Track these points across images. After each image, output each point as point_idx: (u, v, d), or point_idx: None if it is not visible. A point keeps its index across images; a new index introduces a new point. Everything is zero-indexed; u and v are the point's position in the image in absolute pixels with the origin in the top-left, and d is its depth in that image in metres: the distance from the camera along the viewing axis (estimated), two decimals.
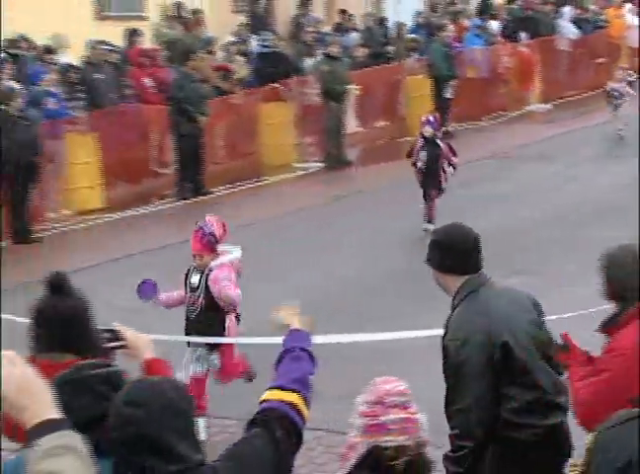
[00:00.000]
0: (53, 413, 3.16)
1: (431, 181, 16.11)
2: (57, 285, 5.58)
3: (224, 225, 9.87)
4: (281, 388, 4.36)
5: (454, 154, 16.37)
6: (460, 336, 6.07)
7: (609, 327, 5.86)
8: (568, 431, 6.09)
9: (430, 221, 15.76)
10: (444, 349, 6.18)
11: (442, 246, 6.37)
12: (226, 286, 9.40)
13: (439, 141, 16.37)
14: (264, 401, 4.33)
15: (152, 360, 5.09)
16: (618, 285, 5.77)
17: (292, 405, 4.31)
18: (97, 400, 4.19)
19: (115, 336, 4.65)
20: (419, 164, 16.12)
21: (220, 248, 9.80)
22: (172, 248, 15.25)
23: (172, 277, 13.86)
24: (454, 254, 6.28)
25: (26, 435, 3.14)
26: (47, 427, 3.12)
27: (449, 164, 16.16)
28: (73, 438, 3.14)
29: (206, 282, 9.52)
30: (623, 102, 21.70)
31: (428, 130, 16.16)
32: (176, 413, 3.94)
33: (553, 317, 10.46)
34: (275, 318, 4.99)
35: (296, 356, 4.56)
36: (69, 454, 3.08)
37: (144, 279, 9.68)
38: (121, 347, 4.95)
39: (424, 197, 16.23)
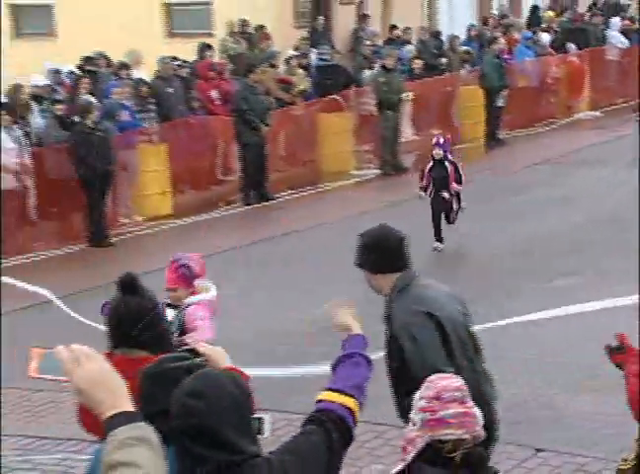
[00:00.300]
0: (128, 406, 3.18)
1: (439, 202, 15.26)
2: (129, 285, 5.60)
3: (203, 264, 8.84)
4: (341, 392, 4.36)
5: (459, 180, 15.41)
6: (408, 321, 6.26)
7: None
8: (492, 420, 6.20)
9: (440, 240, 15.23)
10: (395, 338, 6.32)
11: (370, 248, 6.56)
12: (200, 328, 8.22)
13: (447, 164, 15.43)
14: (322, 401, 4.35)
15: (230, 369, 5.13)
16: None
17: (350, 410, 4.33)
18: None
19: (195, 354, 4.63)
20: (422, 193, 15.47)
21: (197, 284, 8.68)
22: (238, 251, 15.35)
23: (234, 279, 14.02)
24: (382, 254, 6.46)
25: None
26: (122, 419, 3.13)
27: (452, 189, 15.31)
28: (146, 431, 3.15)
29: (183, 319, 8.30)
30: None
31: (438, 153, 15.37)
32: (234, 406, 3.99)
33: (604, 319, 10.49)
34: (337, 320, 4.98)
35: (356, 362, 4.56)
36: (142, 445, 3.09)
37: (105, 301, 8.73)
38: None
39: (433, 218, 15.27)
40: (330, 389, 4.38)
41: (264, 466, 3.97)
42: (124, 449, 3.05)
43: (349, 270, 13.01)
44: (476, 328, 9.00)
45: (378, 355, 5.94)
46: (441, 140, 15.71)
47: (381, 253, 6.45)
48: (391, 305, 6.35)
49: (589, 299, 11.07)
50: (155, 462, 3.09)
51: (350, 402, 4.34)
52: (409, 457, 5.07)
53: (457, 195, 15.42)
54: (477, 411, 5.08)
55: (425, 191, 15.43)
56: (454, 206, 15.39)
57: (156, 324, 5.60)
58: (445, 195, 15.12)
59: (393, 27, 27.19)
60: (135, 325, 5.48)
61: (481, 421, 5.08)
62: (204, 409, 3.91)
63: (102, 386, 3.17)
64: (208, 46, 21.81)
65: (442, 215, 15.27)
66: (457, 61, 24.82)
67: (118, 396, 3.18)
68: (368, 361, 4.59)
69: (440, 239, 15.22)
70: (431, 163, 15.46)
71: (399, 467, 5.19)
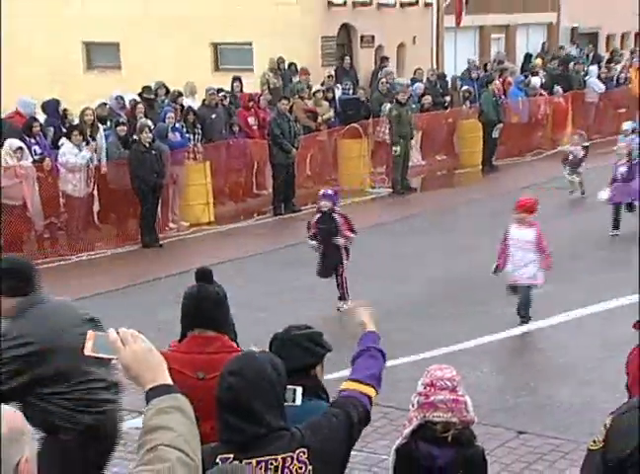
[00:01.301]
0: (166, 379, 3.21)
1: (330, 256, 12.65)
2: (205, 276, 5.72)
3: None
4: (361, 382, 4.34)
5: (351, 229, 12.84)
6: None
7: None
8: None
9: (343, 298, 12.60)
10: None
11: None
12: None
13: (335, 216, 12.76)
14: (345, 390, 4.33)
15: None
16: None
17: (368, 396, 4.31)
18: (304, 353, 4.72)
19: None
20: (313, 242, 12.75)
21: None
22: (268, 255, 15.35)
23: (265, 279, 13.98)
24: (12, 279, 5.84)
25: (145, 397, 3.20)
26: (161, 390, 3.16)
27: (347, 237, 12.66)
28: (181, 400, 3.17)
29: None
30: (578, 165, 19.72)
31: (325, 205, 12.72)
32: (267, 384, 3.99)
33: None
34: (353, 318, 4.95)
35: (373, 355, 4.53)
36: (177, 413, 3.11)
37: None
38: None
39: (320, 272, 12.73)
40: (351, 379, 4.37)
41: (286, 438, 3.97)
42: (161, 416, 3.08)
43: (361, 271, 13.14)
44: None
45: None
46: (329, 192, 13.28)
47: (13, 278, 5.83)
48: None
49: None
50: (188, 427, 3.10)
51: (369, 390, 4.33)
52: (406, 432, 5.18)
53: (346, 248, 12.82)
54: (467, 399, 5.09)
55: (315, 239, 12.80)
56: (344, 258, 12.75)
57: (224, 308, 5.74)
58: (340, 241, 12.57)
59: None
60: (212, 308, 5.63)
61: (471, 407, 5.09)
62: (240, 386, 3.92)
63: (144, 363, 3.20)
64: (239, 79, 22.02)
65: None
66: (459, 98, 24.83)
67: (157, 371, 3.20)
68: (382, 354, 4.59)
69: (343, 297, 12.63)
70: (318, 215, 12.95)
71: (399, 441, 5.21)
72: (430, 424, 5.08)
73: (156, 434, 3.02)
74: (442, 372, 5.18)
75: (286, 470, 3.90)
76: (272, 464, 3.89)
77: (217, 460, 3.85)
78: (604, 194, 16.26)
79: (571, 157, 18.05)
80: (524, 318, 11.34)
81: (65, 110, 17.86)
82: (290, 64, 23.97)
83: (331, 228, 12.68)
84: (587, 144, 19.04)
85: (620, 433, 4.07)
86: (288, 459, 3.91)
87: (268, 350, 4.71)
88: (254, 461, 3.79)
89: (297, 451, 3.95)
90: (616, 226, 16.21)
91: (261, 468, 3.83)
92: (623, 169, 16.29)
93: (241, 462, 3.79)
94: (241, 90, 21.56)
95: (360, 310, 4.99)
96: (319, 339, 4.82)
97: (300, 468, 3.92)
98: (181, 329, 5.69)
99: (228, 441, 3.94)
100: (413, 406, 5.19)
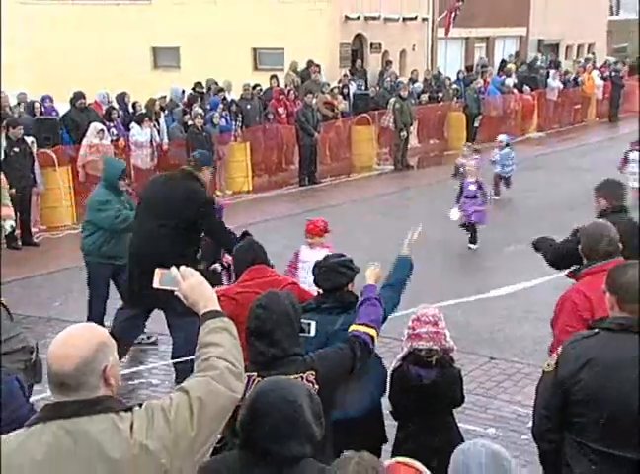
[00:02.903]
0: (216, 306, 3.23)
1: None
2: (247, 233, 6.38)
3: None
4: (365, 325, 4.32)
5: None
6: None
7: (573, 275, 5.56)
8: None
9: None
10: None
11: None
12: None
13: None
14: (352, 331, 4.32)
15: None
16: (587, 248, 5.50)
17: (371, 336, 4.30)
18: (340, 275, 4.97)
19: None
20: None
21: None
22: (294, 217, 15.30)
23: (291, 236, 13.97)
24: None
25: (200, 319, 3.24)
26: (212, 314, 3.19)
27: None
28: (228, 323, 3.19)
29: None
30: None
31: None
32: (286, 317, 3.98)
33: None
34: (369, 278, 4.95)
35: (373, 304, 4.50)
36: (224, 332, 3.14)
37: None
38: None
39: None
40: (357, 323, 4.35)
41: (299, 361, 3.96)
42: (212, 334, 3.11)
43: (366, 233, 13.08)
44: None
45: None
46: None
47: None
48: None
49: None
50: (233, 343, 3.12)
51: (372, 331, 4.31)
52: (399, 357, 5.23)
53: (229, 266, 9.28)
54: (447, 331, 5.17)
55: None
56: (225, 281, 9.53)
57: (264, 254, 6.09)
58: (218, 266, 9.38)
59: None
60: (263, 256, 6.01)
61: (450, 338, 5.16)
62: (265, 317, 3.92)
63: (198, 293, 3.24)
64: (275, 77, 21.77)
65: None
66: (449, 95, 24.60)
67: (209, 300, 3.24)
68: (380, 302, 4.55)
69: None
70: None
71: (394, 365, 5.24)
72: (416, 350, 5.09)
73: (209, 349, 3.05)
74: (427, 310, 5.19)
75: None
76: None
77: (246, 376, 3.79)
78: (455, 214, 13.20)
79: (461, 170, 13.86)
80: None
81: (135, 101, 17.78)
82: (315, 65, 23.73)
83: (212, 249, 9.24)
84: (477, 156, 14.70)
85: (567, 358, 4.05)
86: (299, 379, 3.85)
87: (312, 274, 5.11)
88: None
89: (307, 373, 3.92)
90: (473, 241, 13.25)
91: None
92: (473, 187, 13.16)
93: (262, 379, 3.72)
94: (277, 85, 21.32)
95: (375, 272, 4.98)
96: (349, 264, 5.03)
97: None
98: (236, 272, 6.04)
99: (254, 362, 3.92)
100: (405, 336, 5.21)
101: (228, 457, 3.25)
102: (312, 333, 4.29)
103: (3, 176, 10.93)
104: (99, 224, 8.63)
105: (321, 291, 5.07)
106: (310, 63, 23.52)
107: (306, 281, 7.79)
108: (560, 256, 6.58)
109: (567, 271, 5.76)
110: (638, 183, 14.36)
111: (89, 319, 8.80)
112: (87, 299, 9.01)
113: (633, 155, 15.07)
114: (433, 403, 5.03)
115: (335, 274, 4.95)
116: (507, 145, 17.16)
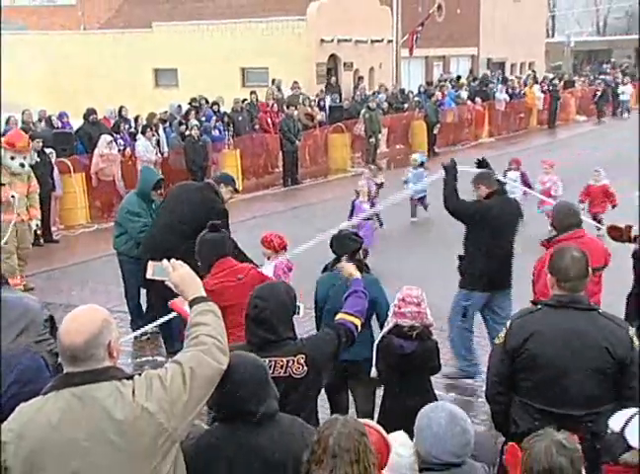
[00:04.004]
0: (202, 293, 3.24)
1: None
2: (214, 227, 5.77)
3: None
4: (350, 314, 4.27)
5: None
6: None
7: (547, 243, 5.73)
8: None
9: None
10: None
11: None
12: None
13: None
14: (339, 319, 4.27)
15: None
16: (557, 222, 5.79)
17: (356, 326, 4.24)
18: (352, 242, 5.55)
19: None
20: None
21: None
22: (280, 214, 15.27)
23: (275, 229, 13.87)
24: None
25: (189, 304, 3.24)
26: (199, 299, 3.21)
27: None
28: (213, 306, 3.19)
29: None
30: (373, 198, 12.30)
31: None
32: (283, 306, 3.93)
33: None
34: (345, 270, 4.91)
35: (359, 296, 4.45)
36: (211, 313, 3.16)
37: None
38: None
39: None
40: (342, 312, 4.31)
41: (290, 345, 3.92)
42: (200, 315, 3.13)
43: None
44: None
45: None
46: None
47: None
48: None
49: None
50: (218, 323, 3.13)
51: (356, 321, 4.25)
52: (384, 331, 5.20)
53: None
54: (427, 311, 5.14)
55: None
56: None
57: (232, 248, 5.98)
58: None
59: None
60: (226, 250, 5.69)
61: (430, 316, 5.14)
62: (263, 306, 3.87)
63: (187, 282, 3.25)
64: (254, 92, 21.32)
65: None
66: (412, 106, 24.58)
67: (197, 288, 3.25)
68: (366, 295, 4.50)
69: None
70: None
71: (381, 335, 5.24)
72: (400, 326, 5.10)
73: (198, 328, 3.07)
74: (411, 291, 5.17)
75: (289, 369, 3.84)
76: (278, 364, 3.83)
77: None
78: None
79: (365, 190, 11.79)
80: None
81: (138, 115, 17.62)
82: (294, 82, 23.62)
83: None
84: (380, 181, 12.88)
85: (515, 331, 4.08)
86: (291, 361, 3.85)
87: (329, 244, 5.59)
88: (267, 360, 3.72)
89: (298, 356, 3.88)
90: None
91: (271, 366, 3.77)
92: (366, 206, 11.34)
93: None
94: (257, 100, 21.04)
95: (349, 265, 4.97)
96: (356, 236, 5.68)
97: (298, 368, 3.85)
98: (203, 264, 5.56)
99: (250, 342, 3.89)
100: (390, 313, 5.22)
101: (213, 430, 3.24)
102: (301, 314, 4.29)
103: (35, 182, 10.75)
104: (125, 228, 8.36)
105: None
106: (294, 82, 23.46)
107: None
108: (459, 211, 7.10)
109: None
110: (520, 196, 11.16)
111: (130, 310, 8.66)
112: (122, 291, 8.80)
113: (511, 174, 12.88)
114: (412, 370, 5.06)
115: (347, 241, 5.50)
116: (421, 164, 14.21)
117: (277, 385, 3.37)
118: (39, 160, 13.17)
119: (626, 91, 30.87)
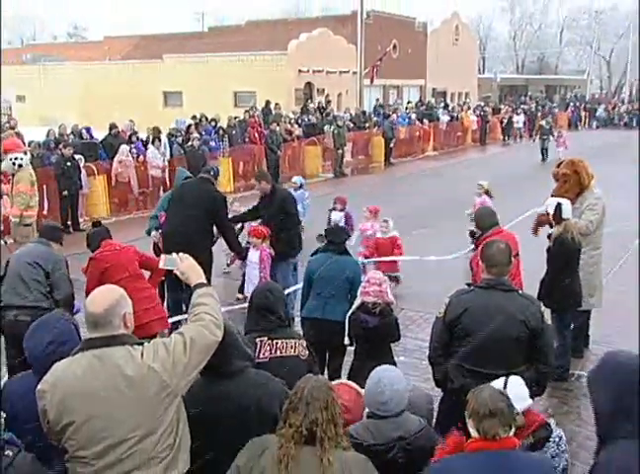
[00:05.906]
0: (203, 279, 3.20)
1: None
2: (98, 224, 6.39)
3: None
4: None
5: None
6: None
7: (477, 242, 5.77)
8: None
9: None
10: None
11: None
12: None
13: None
14: None
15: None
16: (481, 223, 5.81)
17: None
18: (342, 232, 5.91)
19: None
20: None
21: None
22: None
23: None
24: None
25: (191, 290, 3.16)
26: (200, 284, 3.16)
27: None
28: (212, 291, 3.14)
29: None
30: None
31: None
32: (281, 297, 3.95)
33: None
34: None
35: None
36: (209, 296, 3.12)
37: None
38: None
39: None
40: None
41: (290, 329, 3.95)
42: (201, 297, 3.09)
43: (316, 221, 12.92)
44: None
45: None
46: None
47: None
48: None
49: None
50: (215, 303, 3.09)
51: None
52: (353, 308, 5.12)
53: None
54: (389, 290, 5.10)
55: None
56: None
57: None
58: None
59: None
60: (109, 236, 6.21)
61: (390, 295, 5.10)
62: (269, 297, 3.84)
63: (192, 271, 3.21)
64: (247, 112, 21.18)
65: None
66: (372, 124, 24.52)
67: (199, 276, 3.21)
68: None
69: None
70: None
71: (349, 312, 5.21)
72: (365, 303, 5.08)
73: (199, 307, 3.06)
74: (375, 274, 5.17)
75: (296, 349, 3.82)
76: (288, 344, 3.81)
77: (257, 341, 3.76)
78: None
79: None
80: None
81: (147, 128, 17.33)
82: (276, 104, 23.49)
83: None
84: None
85: (452, 307, 4.09)
86: (297, 342, 3.84)
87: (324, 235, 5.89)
88: (279, 341, 3.72)
89: (302, 340, 3.91)
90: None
91: (284, 346, 3.76)
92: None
93: (272, 341, 3.75)
94: (249, 117, 20.78)
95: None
96: (346, 229, 6.27)
97: (302, 351, 3.85)
98: (93, 246, 6.06)
99: (264, 329, 3.81)
100: (359, 293, 5.19)
101: (195, 385, 3.10)
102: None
103: (21, 185, 9.09)
104: None
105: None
106: (276, 103, 23.38)
107: (248, 278, 7.26)
108: None
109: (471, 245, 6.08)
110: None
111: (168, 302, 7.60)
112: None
113: (334, 215, 9.82)
114: (376, 340, 5.03)
115: (339, 232, 5.86)
116: (300, 186, 12.00)
117: (286, 363, 3.43)
118: (69, 165, 13.19)
119: (519, 120, 31.19)
